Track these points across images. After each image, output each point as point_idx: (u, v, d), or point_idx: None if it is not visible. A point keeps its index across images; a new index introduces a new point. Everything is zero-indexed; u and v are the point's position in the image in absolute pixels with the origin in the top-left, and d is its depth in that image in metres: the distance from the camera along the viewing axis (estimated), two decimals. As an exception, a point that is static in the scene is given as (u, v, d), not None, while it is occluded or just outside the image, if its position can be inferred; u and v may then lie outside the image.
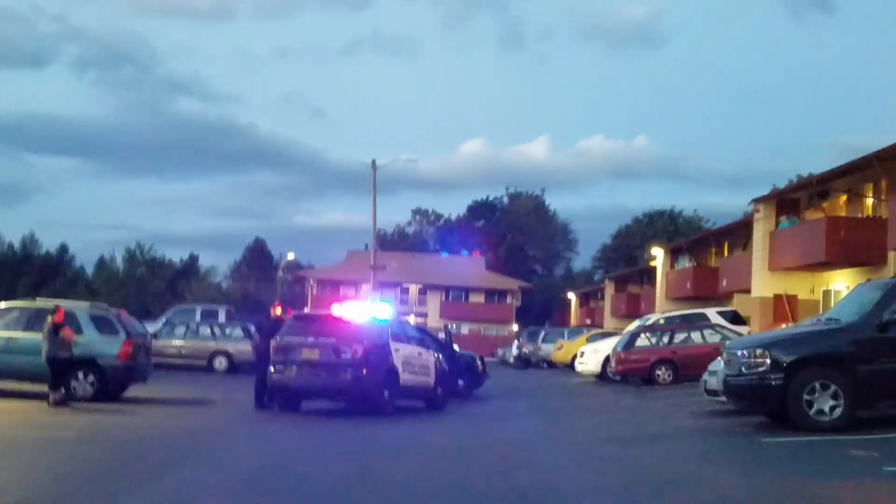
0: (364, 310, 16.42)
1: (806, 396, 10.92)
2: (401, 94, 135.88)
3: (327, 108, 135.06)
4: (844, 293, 20.45)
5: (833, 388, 10.93)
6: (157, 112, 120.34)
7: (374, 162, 39.96)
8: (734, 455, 10.17)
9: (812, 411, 10.93)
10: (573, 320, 63.03)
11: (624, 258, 69.70)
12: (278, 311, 17.12)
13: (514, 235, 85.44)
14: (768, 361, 11.19)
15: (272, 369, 14.69)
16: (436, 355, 17.32)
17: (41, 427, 11.98)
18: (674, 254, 40.75)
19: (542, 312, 70.99)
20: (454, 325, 64.21)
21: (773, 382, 11.07)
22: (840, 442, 10.10)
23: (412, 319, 34.70)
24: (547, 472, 8.85)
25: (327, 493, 7.45)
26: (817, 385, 10.94)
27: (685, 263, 38.52)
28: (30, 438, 10.68)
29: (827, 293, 26.11)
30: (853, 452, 9.45)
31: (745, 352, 11.65)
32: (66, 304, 16.65)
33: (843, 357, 11.09)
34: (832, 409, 10.90)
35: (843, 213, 25.89)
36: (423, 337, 19.51)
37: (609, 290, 54.01)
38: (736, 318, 25.64)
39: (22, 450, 9.63)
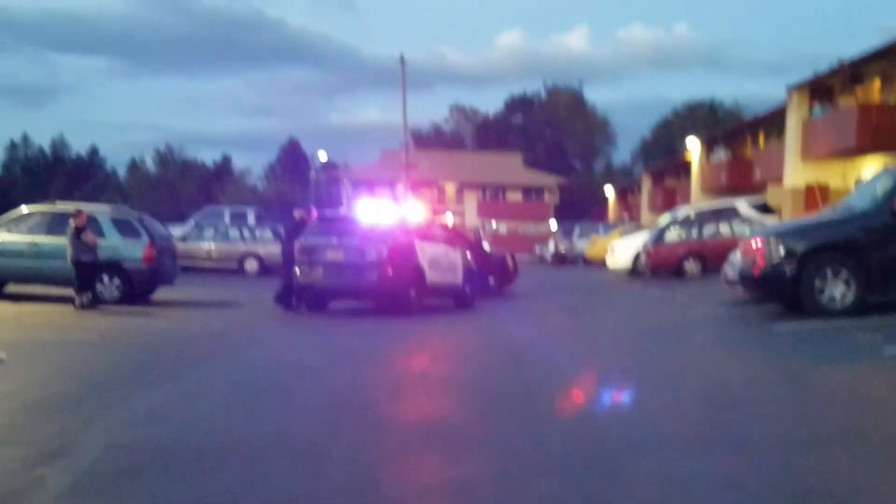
0: (391, 209, 16.40)
1: (818, 284, 11.02)
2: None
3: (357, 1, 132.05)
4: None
5: (844, 274, 11.00)
6: (184, 6, 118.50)
7: (402, 58, 39.59)
8: (743, 342, 10.40)
9: (823, 298, 11.04)
10: (611, 216, 62.80)
11: (664, 152, 68.86)
12: (301, 212, 16.98)
13: (553, 131, 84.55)
14: (781, 250, 11.26)
15: (298, 270, 14.82)
16: (464, 254, 17.46)
17: (66, 330, 12.09)
18: (709, 145, 40.16)
19: (581, 208, 70.77)
20: (492, 224, 64.54)
21: (786, 271, 11.15)
22: (848, 327, 10.21)
23: (449, 218, 34.86)
24: (557, 366, 9.06)
25: (343, 391, 7.41)
26: (829, 272, 11.03)
27: (720, 155, 37.99)
28: (54, 341, 10.82)
29: (859, 182, 25.67)
30: (859, 337, 9.56)
31: (759, 241, 11.70)
32: (87, 207, 16.70)
33: (855, 244, 11.08)
34: (843, 295, 11.00)
35: (876, 98, 25.23)
36: (452, 236, 19.70)
37: (646, 184, 53.57)
38: (767, 209, 25.45)
39: (46, 352, 9.78)
